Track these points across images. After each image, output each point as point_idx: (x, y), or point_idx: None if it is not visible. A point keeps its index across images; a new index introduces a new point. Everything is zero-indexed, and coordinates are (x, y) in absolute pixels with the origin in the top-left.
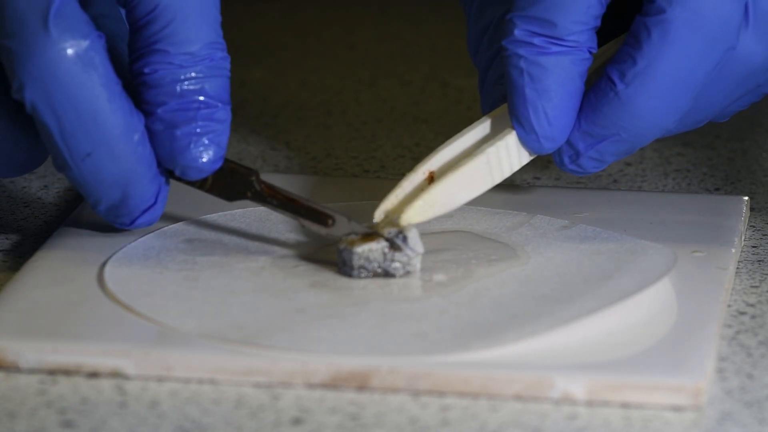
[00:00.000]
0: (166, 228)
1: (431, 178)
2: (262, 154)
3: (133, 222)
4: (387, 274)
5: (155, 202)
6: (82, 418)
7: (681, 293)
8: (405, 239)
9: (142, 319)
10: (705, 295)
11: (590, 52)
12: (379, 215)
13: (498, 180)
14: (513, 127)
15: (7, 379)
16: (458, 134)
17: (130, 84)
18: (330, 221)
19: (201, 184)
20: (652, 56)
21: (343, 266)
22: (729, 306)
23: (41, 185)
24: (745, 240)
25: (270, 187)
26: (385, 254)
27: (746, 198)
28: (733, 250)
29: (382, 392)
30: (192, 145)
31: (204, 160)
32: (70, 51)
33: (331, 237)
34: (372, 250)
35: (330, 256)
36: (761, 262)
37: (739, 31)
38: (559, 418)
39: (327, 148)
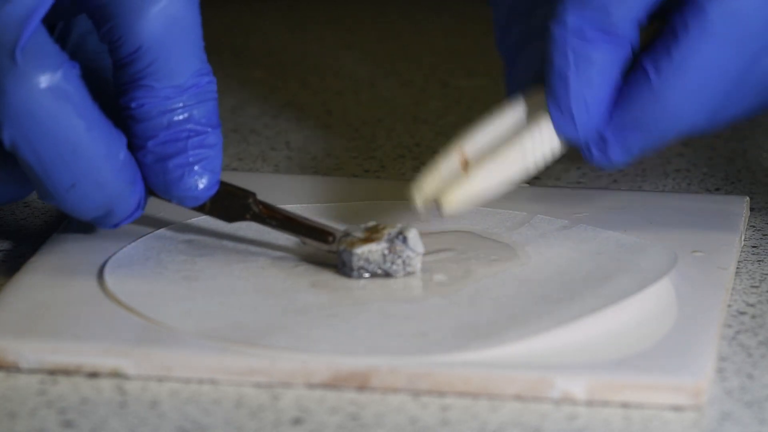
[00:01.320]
0: (166, 228)
1: (465, 162)
2: (262, 154)
3: (115, 226)
4: (387, 275)
5: (136, 209)
6: (82, 418)
7: (681, 293)
8: (405, 240)
9: (142, 319)
10: (705, 295)
11: (632, 47)
12: (419, 200)
13: (532, 170)
14: (548, 113)
15: (7, 379)
16: (490, 117)
17: (115, 108)
18: (330, 238)
19: (200, 208)
20: (688, 51)
21: (342, 267)
22: (729, 306)
23: None
24: (745, 240)
25: (268, 207)
26: (384, 255)
27: (746, 198)
28: (734, 250)
29: (382, 392)
30: (186, 176)
31: (199, 188)
32: (42, 85)
33: (332, 253)
34: (372, 251)
35: (330, 257)
36: (761, 262)
37: None
38: (559, 418)
39: (327, 148)
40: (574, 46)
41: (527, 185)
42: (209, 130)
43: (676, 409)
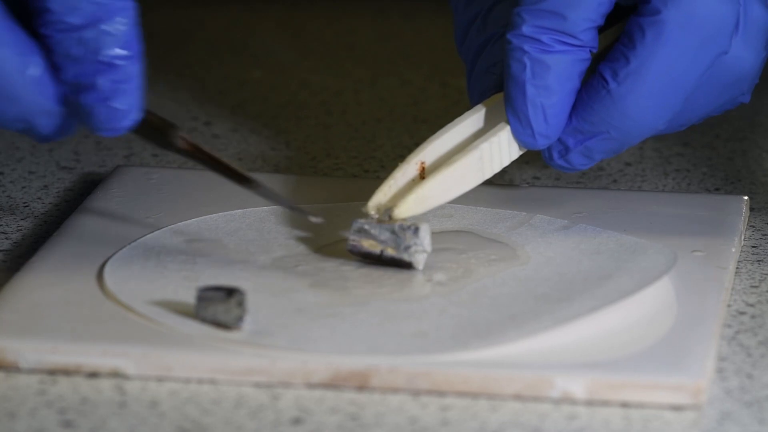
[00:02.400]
0: (166, 228)
1: (423, 170)
2: (262, 154)
3: (47, 140)
4: (397, 246)
5: (64, 125)
6: (82, 418)
7: (681, 293)
8: (416, 231)
9: (142, 319)
10: (705, 294)
11: (591, 52)
12: (372, 207)
13: (488, 175)
14: (506, 122)
15: (7, 379)
16: (450, 124)
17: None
18: (249, 185)
19: (134, 132)
20: (645, 56)
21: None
22: (729, 306)
23: (41, 185)
24: (744, 240)
25: (193, 145)
26: (393, 232)
27: (746, 198)
28: (733, 250)
29: (382, 392)
30: (96, 110)
31: (114, 122)
32: None
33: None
34: (381, 225)
35: (330, 256)
36: (761, 262)
37: (732, 36)
38: (559, 418)
39: (327, 148)
40: (531, 53)
41: (527, 185)
42: (121, 62)
43: (676, 408)
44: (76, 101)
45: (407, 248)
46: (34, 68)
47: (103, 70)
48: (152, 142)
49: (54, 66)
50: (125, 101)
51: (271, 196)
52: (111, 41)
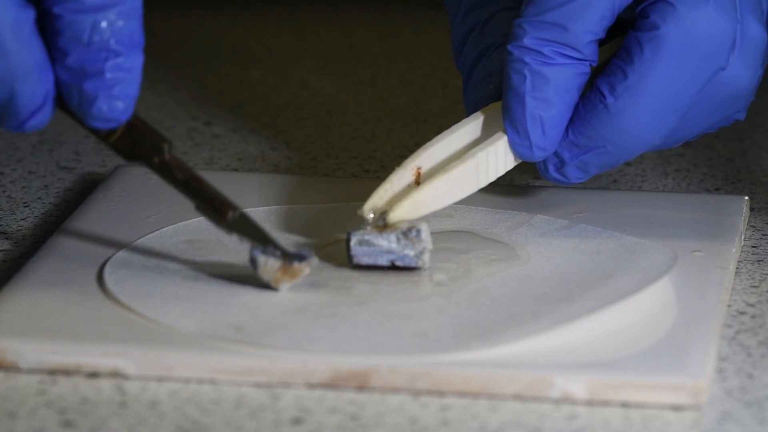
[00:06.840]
0: (166, 228)
1: (419, 175)
2: (262, 154)
3: (21, 125)
4: (406, 254)
5: (43, 104)
6: (82, 418)
7: (681, 293)
8: (419, 232)
9: (142, 319)
10: (705, 294)
11: (591, 66)
12: (368, 210)
13: (483, 184)
14: (504, 132)
15: (7, 379)
16: (447, 131)
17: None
18: (231, 213)
19: (107, 135)
20: (643, 71)
21: (348, 251)
22: (729, 306)
23: (41, 185)
24: (745, 240)
25: (179, 161)
26: (398, 239)
27: (746, 198)
28: (733, 250)
29: (382, 392)
30: (100, 98)
31: (114, 112)
32: None
33: (227, 231)
34: (388, 235)
35: (330, 256)
36: (761, 262)
37: (729, 53)
38: (559, 418)
39: (327, 148)
40: (532, 65)
41: (527, 185)
42: (129, 51)
43: (676, 408)
44: (76, 88)
45: (420, 254)
46: (27, 27)
47: (111, 58)
48: (135, 148)
49: (58, 50)
50: (127, 92)
51: (257, 233)
52: (122, 28)
